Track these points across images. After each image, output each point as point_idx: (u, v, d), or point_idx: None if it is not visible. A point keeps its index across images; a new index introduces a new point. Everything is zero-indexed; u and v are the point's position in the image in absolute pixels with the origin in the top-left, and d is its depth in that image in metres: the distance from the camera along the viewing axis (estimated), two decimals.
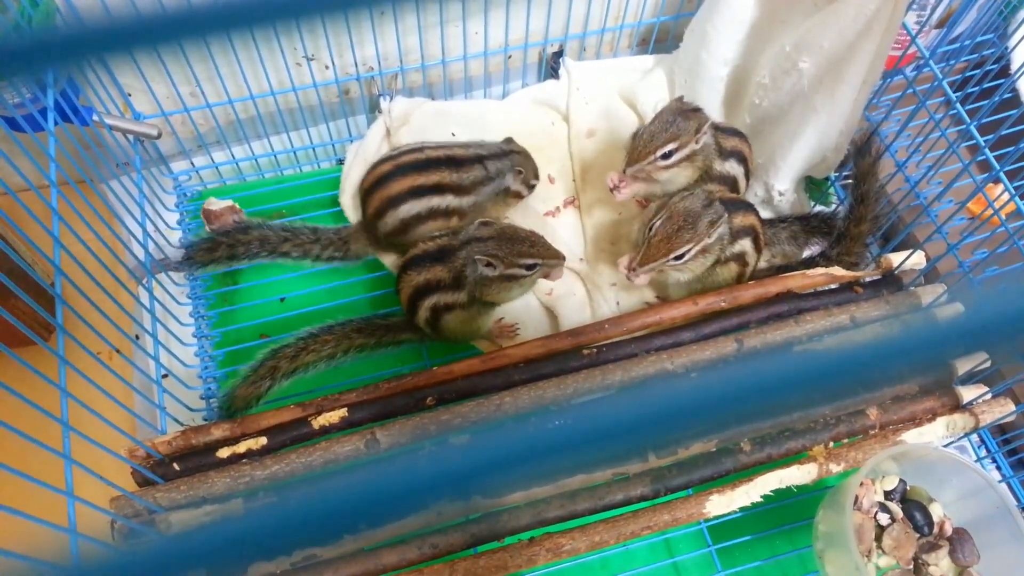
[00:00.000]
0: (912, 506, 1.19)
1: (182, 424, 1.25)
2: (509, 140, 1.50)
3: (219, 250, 1.43)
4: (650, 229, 1.29)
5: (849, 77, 1.32)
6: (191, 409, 1.33)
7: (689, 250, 1.28)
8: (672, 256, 1.28)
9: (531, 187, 1.51)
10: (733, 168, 1.43)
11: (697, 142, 1.32)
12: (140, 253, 1.34)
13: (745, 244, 1.34)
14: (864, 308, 1.29)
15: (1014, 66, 1.57)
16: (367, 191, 1.45)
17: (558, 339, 1.28)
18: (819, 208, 1.57)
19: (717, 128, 1.42)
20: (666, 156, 1.31)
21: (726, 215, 1.29)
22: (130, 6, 1.28)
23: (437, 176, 1.41)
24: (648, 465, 1.19)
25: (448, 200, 1.42)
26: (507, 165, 1.45)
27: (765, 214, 1.56)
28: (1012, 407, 1.23)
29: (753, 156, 1.49)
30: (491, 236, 1.28)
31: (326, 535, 0.30)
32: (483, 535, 1.12)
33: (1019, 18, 1.61)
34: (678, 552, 1.30)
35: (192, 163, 1.62)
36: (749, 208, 1.37)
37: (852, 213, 1.39)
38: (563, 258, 1.32)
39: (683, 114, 1.33)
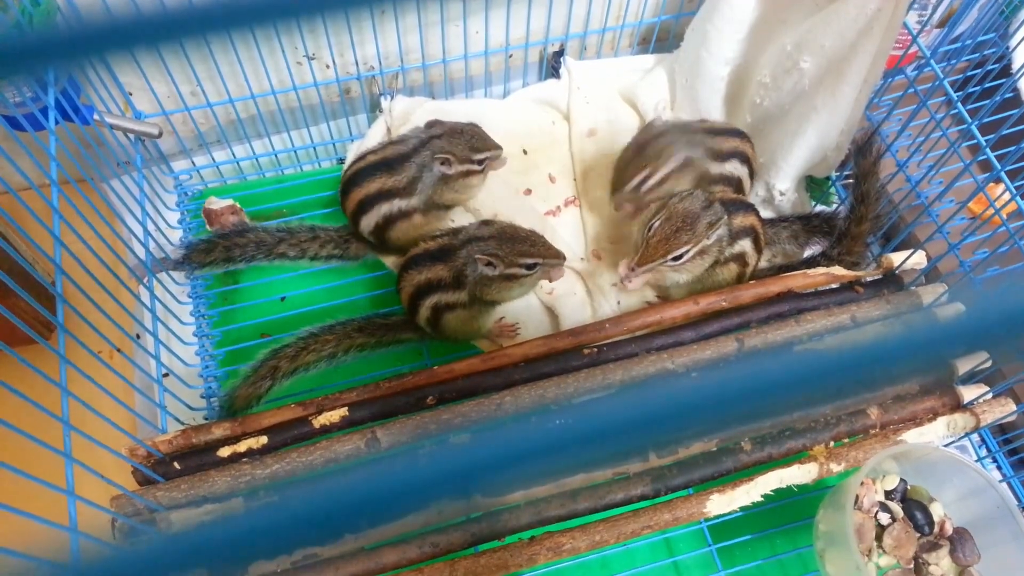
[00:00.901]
0: (913, 505, 1.18)
1: (183, 423, 1.25)
2: (430, 124, 1.44)
3: (215, 252, 1.43)
4: (649, 229, 1.29)
5: (850, 76, 1.32)
6: (192, 408, 1.33)
7: (687, 251, 1.27)
8: (670, 257, 1.27)
9: (477, 161, 1.42)
10: (736, 168, 1.43)
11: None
12: (141, 252, 1.34)
13: (745, 244, 1.34)
14: (865, 308, 1.29)
15: (1015, 66, 1.57)
16: (342, 194, 1.47)
17: (559, 338, 1.28)
18: (820, 207, 1.57)
19: (713, 131, 1.42)
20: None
21: (725, 216, 1.29)
22: (131, 5, 1.28)
23: (378, 183, 1.40)
24: (648, 464, 1.19)
25: (397, 204, 1.41)
26: (427, 156, 1.40)
27: (766, 214, 1.57)
28: (1013, 407, 1.23)
29: (756, 155, 1.49)
30: (491, 235, 1.28)
31: (327, 534, 0.30)
32: (484, 534, 1.12)
33: (1020, 18, 1.61)
34: (678, 551, 1.30)
35: (193, 162, 1.62)
36: (749, 208, 1.37)
37: (853, 212, 1.39)
38: (564, 258, 1.33)
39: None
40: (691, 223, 1.27)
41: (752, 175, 1.47)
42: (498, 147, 1.44)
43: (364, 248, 1.49)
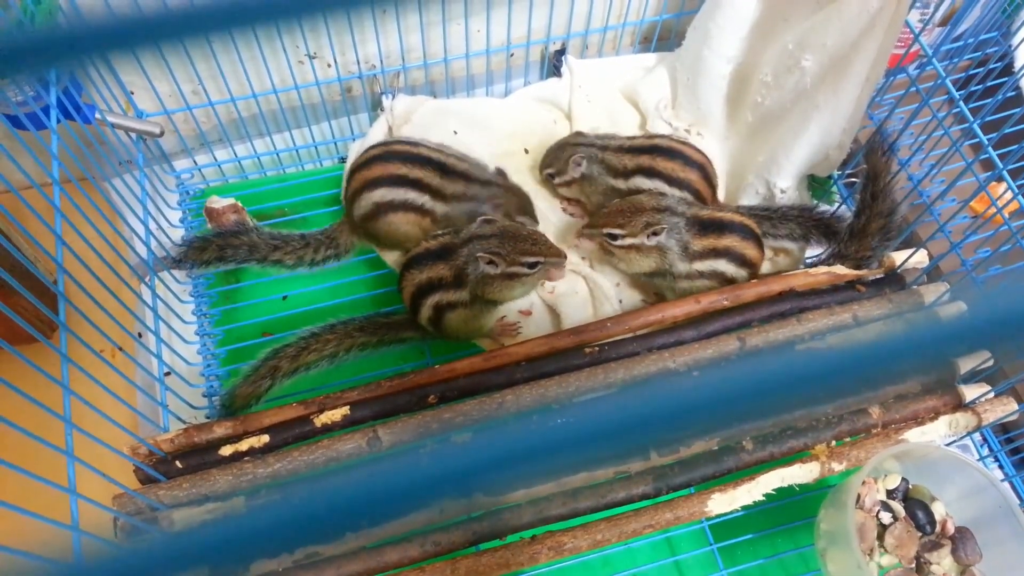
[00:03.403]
0: (914, 505, 1.18)
1: (184, 422, 1.25)
2: (501, 172, 1.49)
3: (208, 251, 1.42)
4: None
5: (852, 75, 1.32)
6: (193, 407, 1.33)
7: (619, 235, 1.35)
8: (604, 231, 1.36)
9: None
10: (643, 183, 1.46)
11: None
12: (143, 251, 1.34)
13: (719, 264, 1.36)
14: (867, 307, 1.29)
15: (1017, 64, 1.56)
16: (352, 171, 1.47)
17: (560, 337, 1.28)
18: (822, 206, 1.57)
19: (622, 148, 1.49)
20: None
21: (679, 232, 1.33)
22: (132, 4, 1.28)
23: (422, 173, 1.40)
24: (650, 463, 1.19)
25: (425, 199, 1.42)
26: (484, 193, 1.43)
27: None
28: (1015, 406, 1.23)
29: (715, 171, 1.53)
30: (493, 234, 1.28)
31: (328, 533, 0.30)
32: (485, 533, 1.12)
33: (1022, 16, 1.61)
34: (680, 550, 1.29)
35: (194, 161, 1.62)
36: (734, 230, 1.37)
37: (868, 210, 1.38)
38: (565, 257, 1.33)
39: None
40: (632, 214, 1.35)
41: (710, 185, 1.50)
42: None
43: (351, 240, 1.49)
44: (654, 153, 1.47)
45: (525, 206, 1.49)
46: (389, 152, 1.42)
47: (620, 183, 1.47)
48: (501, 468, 0.30)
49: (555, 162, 1.52)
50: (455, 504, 1.06)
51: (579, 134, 1.54)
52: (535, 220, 1.49)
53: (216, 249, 1.42)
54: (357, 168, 1.45)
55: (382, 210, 1.42)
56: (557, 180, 1.53)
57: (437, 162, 1.42)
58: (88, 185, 1.21)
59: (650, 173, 1.46)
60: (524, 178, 1.62)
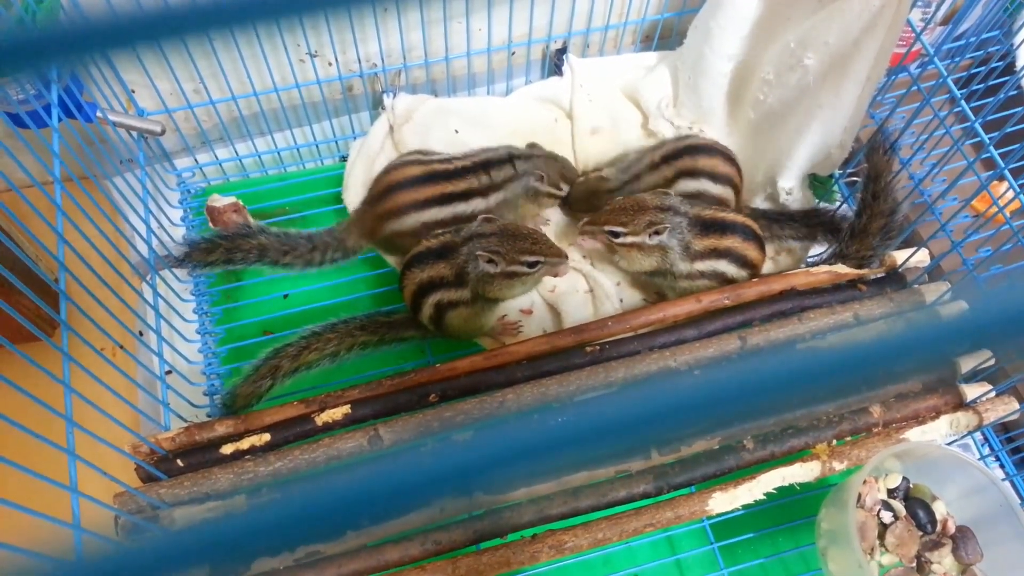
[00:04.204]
0: (915, 504, 1.18)
1: (186, 420, 1.25)
2: (534, 145, 1.52)
3: (216, 252, 1.41)
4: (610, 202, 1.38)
5: (854, 74, 1.32)
6: (195, 405, 1.33)
7: (621, 233, 1.34)
8: (607, 229, 1.35)
9: (558, 188, 1.51)
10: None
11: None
12: (144, 249, 1.34)
13: (720, 265, 1.36)
14: (868, 306, 1.29)
15: (1019, 63, 1.56)
16: (389, 188, 1.44)
17: (561, 336, 1.28)
18: (823, 206, 1.57)
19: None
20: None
21: (682, 232, 1.33)
22: (134, 2, 1.28)
23: (466, 184, 1.43)
24: (651, 462, 1.19)
25: (476, 203, 1.44)
26: (528, 167, 1.47)
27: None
28: (1016, 405, 1.23)
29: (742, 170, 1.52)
30: (493, 233, 1.28)
31: (329, 531, 0.30)
32: (486, 532, 1.12)
33: None
34: (681, 549, 1.30)
35: (195, 159, 1.62)
36: (736, 231, 1.37)
37: (869, 209, 1.38)
38: (565, 256, 1.33)
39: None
40: (634, 213, 1.34)
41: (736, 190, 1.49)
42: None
43: (359, 243, 1.49)
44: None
45: (567, 172, 1.51)
46: (430, 173, 1.43)
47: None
48: (502, 466, 0.30)
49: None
50: (456, 503, 1.06)
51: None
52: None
53: (224, 252, 1.41)
54: (395, 187, 1.43)
55: (428, 228, 1.42)
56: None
57: (481, 162, 1.45)
58: (89, 183, 1.21)
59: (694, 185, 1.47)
60: None
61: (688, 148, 1.48)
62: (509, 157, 1.47)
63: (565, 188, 1.52)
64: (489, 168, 1.45)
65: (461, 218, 1.42)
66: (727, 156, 1.49)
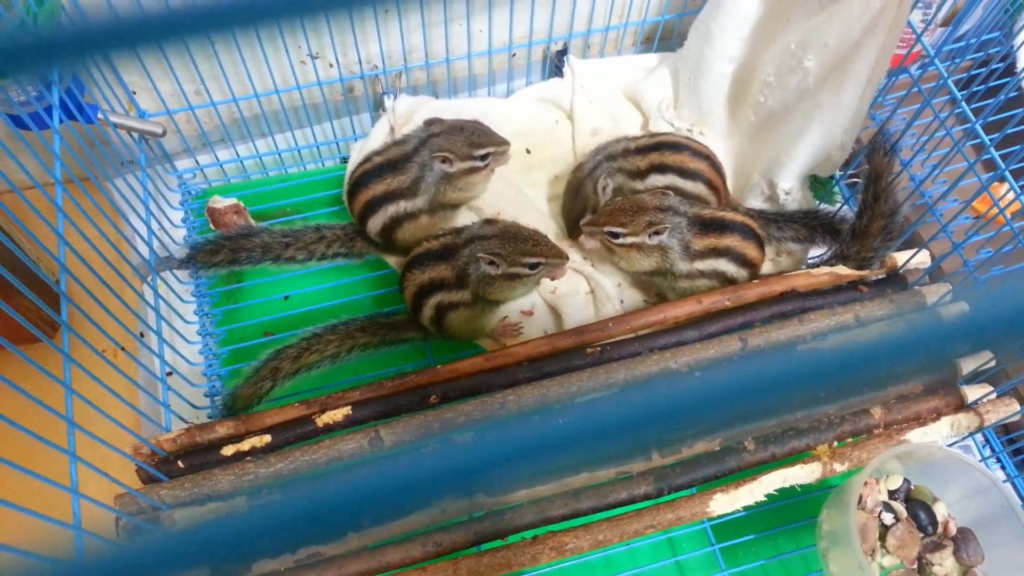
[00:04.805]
0: (916, 505, 1.18)
1: (186, 422, 1.25)
2: (429, 122, 1.43)
3: (221, 253, 1.42)
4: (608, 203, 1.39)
5: (854, 75, 1.32)
6: (195, 407, 1.33)
7: (621, 234, 1.34)
8: (607, 230, 1.35)
9: (478, 157, 1.41)
10: (657, 181, 1.46)
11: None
12: (145, 251, 1.34)
13: (719, 264, 1.36)
14: (869, 307, 1.29)
15: (1020, 64, 1.56)
16: (348, 195, 1.47)
17: (562, 338, 1.27)
18: (824, 207, 1.57)
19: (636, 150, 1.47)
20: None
21: (681, 232, 1.33)
22: (135, 4, 1.28)
23: (384, 185, 1.40)
24: (652, 464, 1.19)
25: (403, 205, 1.42)
26: (427, 155, 1.39)
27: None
28: (1017, 407, 1.22)
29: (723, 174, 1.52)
30: (494, 234, 1.28)
31: (330, 532, 0.30)
32: (487, 533, 1.12)
33: None
34: (681, 551, 1.29)
35: (196, 161, 1.62)
36: (735, 230, 1.37)
37: (870, 210, 1.38)
38: (566, 257, 1.33)
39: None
40: (634, 213, 1.34)
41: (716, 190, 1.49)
42: (504, 142, 1.42)
43: (368, 246, 1.49)
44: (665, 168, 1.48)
45: (476, 138, 1.40)
46: (364, 174, 1.42)
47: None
48: (503, 467, 0.30)
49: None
50: (457, 504, 1.06)
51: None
52: (503, 143, 1.42)
53: (228, 252, 1.42)
54: (352, 191, 1.45)
55: (387, 230, 1.44)
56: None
57: (387, 164, 1.41)
58: (90, 185, 1.21)
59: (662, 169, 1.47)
60: (526, 178, 1.62)
61: (659, 144, 1.48)
62: (405, 157, 1.40)
63: (483, 150, 1.40)
64: (397, 168, 1.40)
65: (399, 219, 1.42)
66: (697, 152, 1.48)
